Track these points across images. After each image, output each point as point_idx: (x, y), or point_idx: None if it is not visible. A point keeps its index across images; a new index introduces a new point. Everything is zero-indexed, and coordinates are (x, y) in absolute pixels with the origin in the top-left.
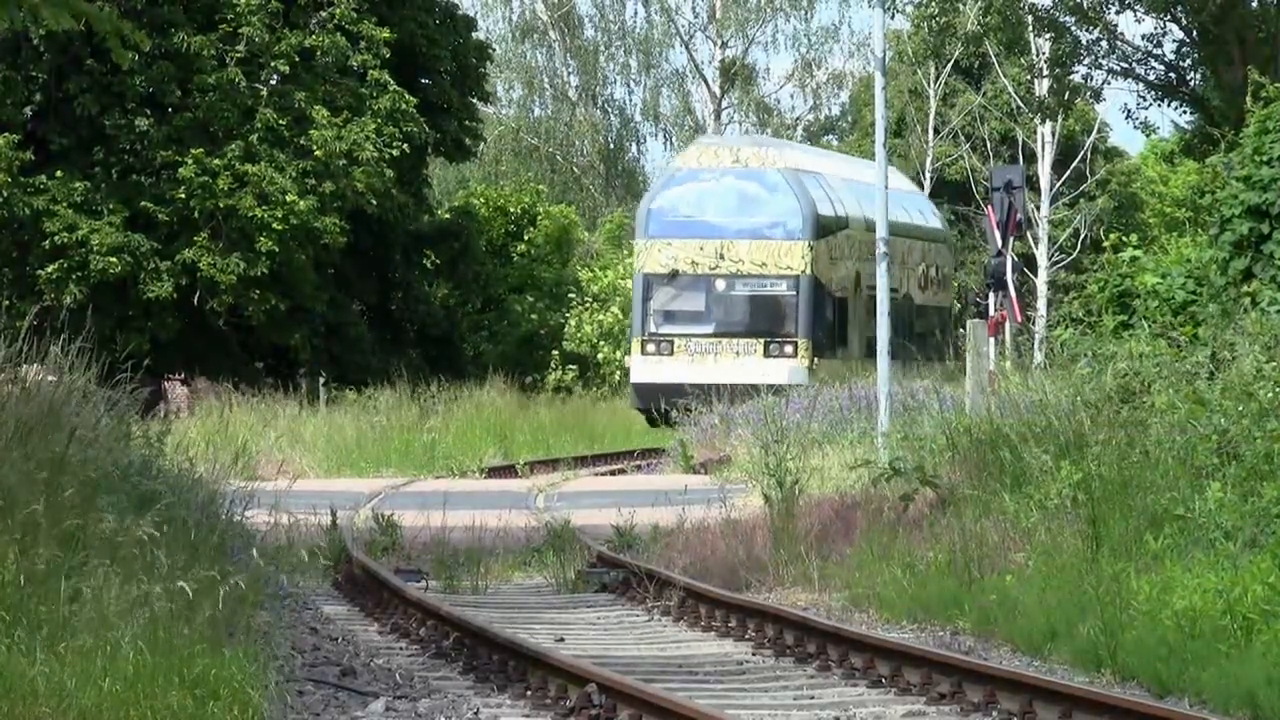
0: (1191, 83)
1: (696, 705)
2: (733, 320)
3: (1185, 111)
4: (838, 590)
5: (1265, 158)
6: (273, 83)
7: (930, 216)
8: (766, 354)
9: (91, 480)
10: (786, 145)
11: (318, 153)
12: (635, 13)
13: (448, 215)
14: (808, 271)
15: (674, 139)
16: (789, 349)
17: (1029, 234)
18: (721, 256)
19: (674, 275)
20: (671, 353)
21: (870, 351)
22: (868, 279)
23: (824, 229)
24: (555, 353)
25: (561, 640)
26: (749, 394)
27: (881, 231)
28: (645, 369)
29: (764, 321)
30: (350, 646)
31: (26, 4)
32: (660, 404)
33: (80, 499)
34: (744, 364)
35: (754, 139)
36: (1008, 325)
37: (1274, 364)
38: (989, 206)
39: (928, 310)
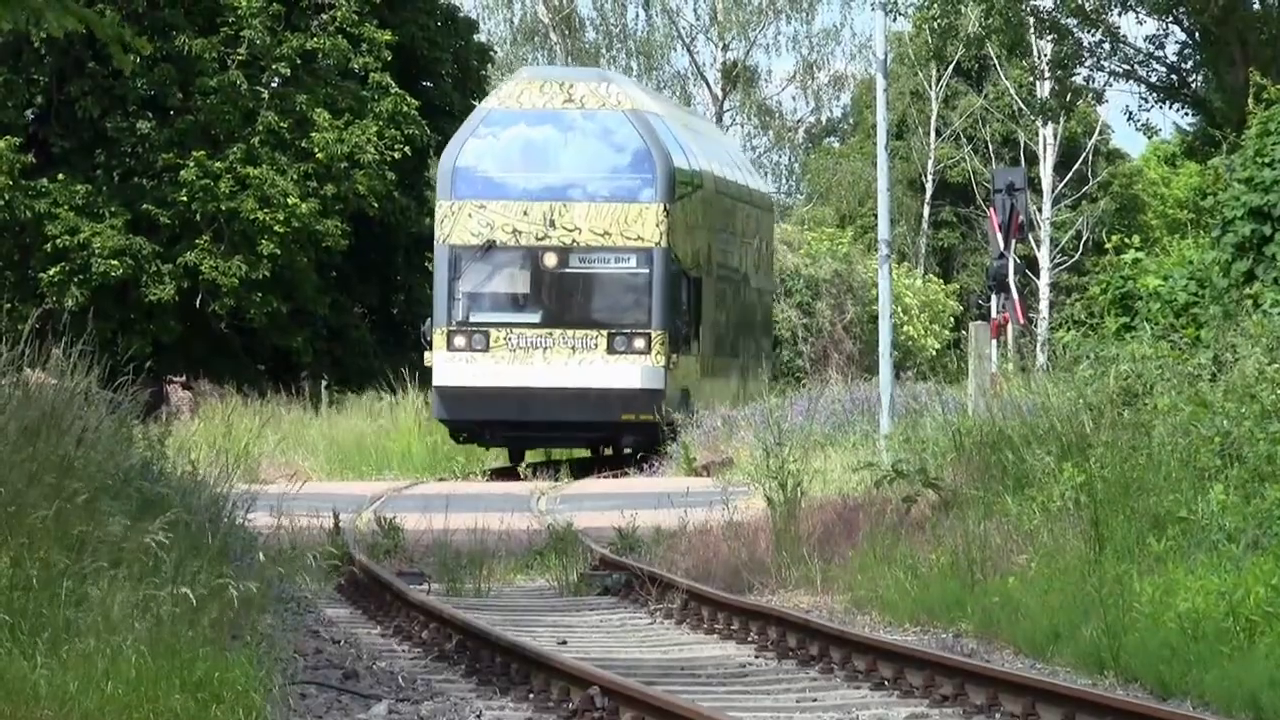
0: (1193, 85)
1: (699, 708)
2: (567, 306)
3: (1187, 113)
4: (840, 592)
5: (1267, 159)
6: (274, 85)
7: (755, 176)
8: (611, 350)
9: (97, 485)
10: (628, 82)
11: (319, 155)
12: (636, 15)
13: None
14: (662, 243)
15: None
16: (640, 343)
17: (1031, 236)
18: (551, 223)
19: (489, 248)
20: (486, 348)
21: (733, 351)
22: (720, 255)
23: (680, 189)
24: None
25: (564, 643)
26: (589, 403)
27: (884, 234)
28: (452, 369)
29: (607, 308)
30: (353, 649)
31: (29, 6)
32: (472, 415)
33: (86, 503)
34: (582, 363)
35: (591, 71)
36: (1010, 327)
37: (1276, 366)
38: (991, 209)
39: (763, 296)
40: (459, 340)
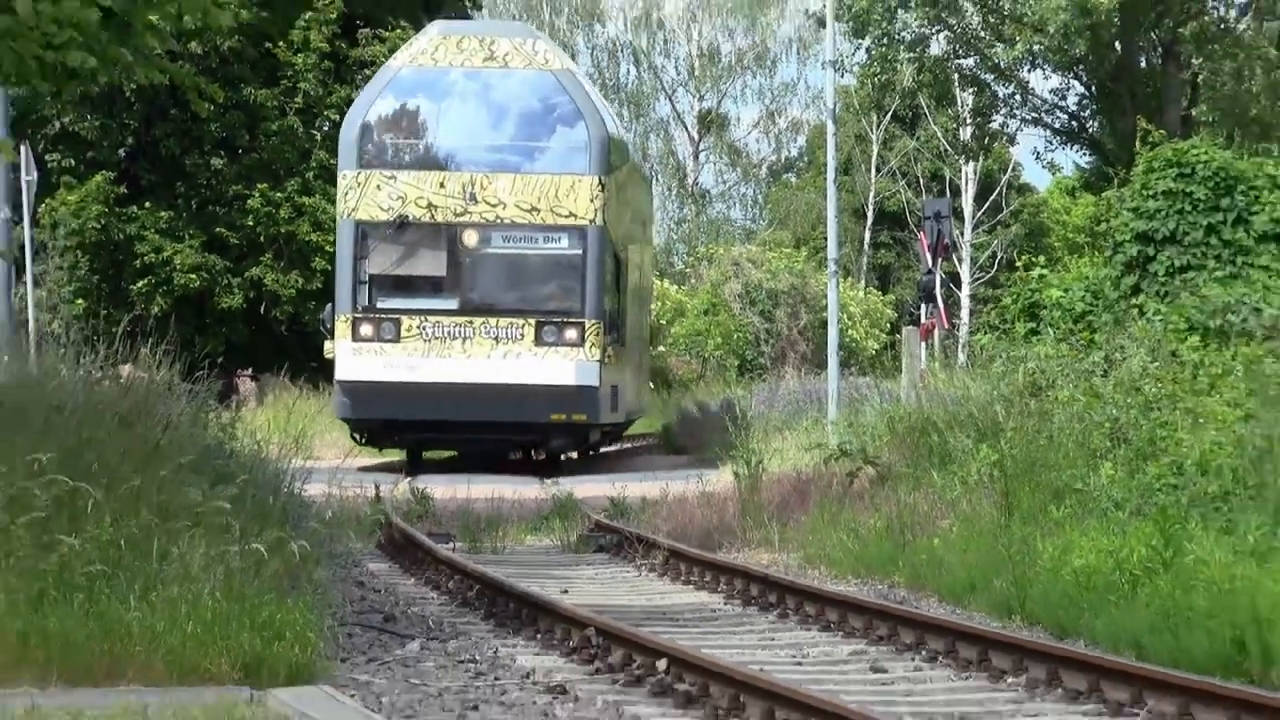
0: (1090, 130)
1: (678, 645)
2: (489, 291)
3: (1085, 153)
4: (794, 551)
5: (1151, 192)
6: (325, 129)
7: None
8: (539, 341)
9: (179, 461)
10: (552, 42)
11: None
12: (627, 71)
13: None
14: (597, 220)
15: (659, 176)
16: (572, 334)
17: (954, 256)
18: (472, 197)
19: (401, 224)
20: (397, 338)
21: (640, 345)
22: (635, 237)
23: (614, 159)
24: None
25: (566, 592)
26: (514, 401)
27: (833, 253)
28: (357, 362)
29: (536, 293)
30: (391, 597)
31: (122, 62)
32: (380, 413)
33: (170, 476)
34: (507, 356)
35: (515, 25)
36: (936, 332)
37: (1157, 364)
38: (921, 233)
39: (651, 287)
40: (365, 329)
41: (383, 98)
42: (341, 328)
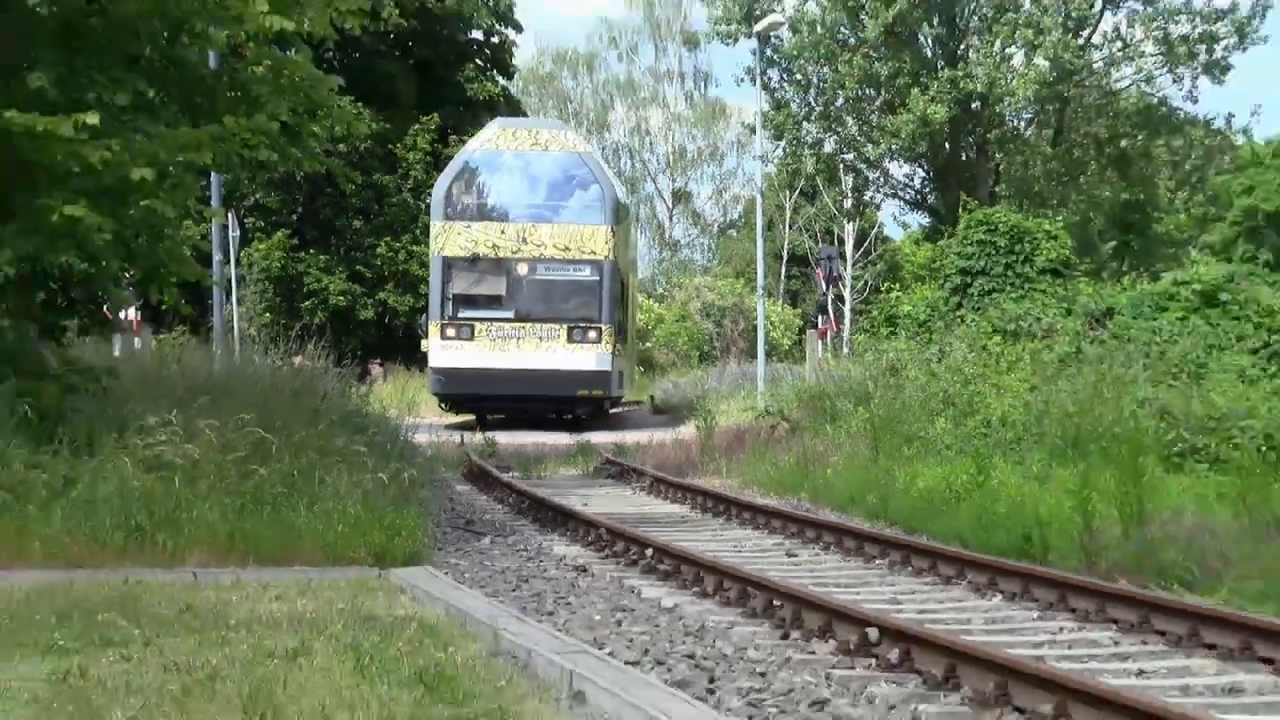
0: (929, 200)
1: (660, 539)
2: (535, 305)
3: (926, 216)
4: (736, 477)
5: (969, 241)
6: (428, 202)
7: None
8: (570, 340)
9: (332, 419)
10: (574, 130)
11: None
12: (625, 162)
13: None
14: (609, 257)
15: (646, 231)
16: (592, 335)
17: (840, 283)
18: (524, 240)
19: (474, 259)
20: (472, 337)
21: (633, 342)
22: (630, 267)
23: (620, 215)
24: None
25: (586, 504)
26: (552, 381)
27: (760, 282)
28: (445, 354)
29: (567, 307)
30: (471, 508)
31: (294, 157)
32: (461, 390)
33: (325, 429)
34: (547, 350)
35: (553, 121)
36: (829, 334)
37: (973, 354)
38: (818, 268)
39: (635, 302)
40: (450, 331)
41: (461, 171)
42: (433, 330)
